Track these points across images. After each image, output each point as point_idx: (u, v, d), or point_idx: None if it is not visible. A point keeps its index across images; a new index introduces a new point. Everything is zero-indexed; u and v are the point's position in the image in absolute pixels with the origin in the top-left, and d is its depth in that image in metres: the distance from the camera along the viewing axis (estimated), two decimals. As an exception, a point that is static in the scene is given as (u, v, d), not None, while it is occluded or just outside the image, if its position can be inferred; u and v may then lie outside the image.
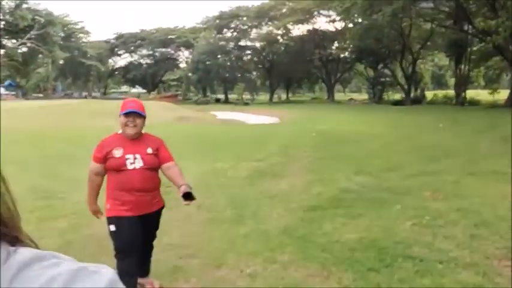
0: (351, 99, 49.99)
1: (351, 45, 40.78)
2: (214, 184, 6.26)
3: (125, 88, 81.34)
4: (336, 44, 46.10)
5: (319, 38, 45.74)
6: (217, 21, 55.66)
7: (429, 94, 39.82)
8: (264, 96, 66.15)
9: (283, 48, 50.22)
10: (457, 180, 6.21)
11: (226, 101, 53.35)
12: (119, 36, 66.69)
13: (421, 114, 20.79)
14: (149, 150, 2.72)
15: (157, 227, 3.01)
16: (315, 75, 55.22)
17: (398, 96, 40.18)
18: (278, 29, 47.48)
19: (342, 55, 45.93)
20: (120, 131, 2.78)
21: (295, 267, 3.44)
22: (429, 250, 3.67)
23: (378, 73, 43.52)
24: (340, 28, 43.15)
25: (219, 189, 5.97)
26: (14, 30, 47.96)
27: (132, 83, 74.57)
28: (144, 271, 3.05)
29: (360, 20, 32.72)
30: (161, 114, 19.46)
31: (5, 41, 50.88)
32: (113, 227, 2.69)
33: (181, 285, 3.20)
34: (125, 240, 2.70)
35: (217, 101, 54.15)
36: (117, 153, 2.66)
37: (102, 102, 28.40)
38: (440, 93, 39.07)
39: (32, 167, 7.64)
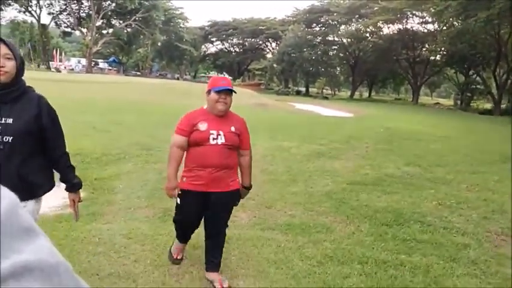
0: (437, 103, 48.01)
1: (442, 48, 39.16)
2: (278, 157, 7.41)
3: (213, 73, 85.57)
4: (426, 46, 44.43)
5: (409, 39, 44.42)
6: (307, 15, 56.34)
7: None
8: (346, 93, 65.74)
9: (370, 45, 49.56)
10: (500, 180, 6.67)
11: (307, 94, 54.06)
12: (213, 24, 70.20)
13: (505, 125, 19.96)
14: (233, 129, 2.74)
15: (228, 210, 2.90)
16: (401, 75, 53.79)
17: (488, 105, 37.92)
18: (367, 26, 46.90)
19: (431, 58, 44.25)
20: (205, 107, 2.82)
21: (326, 215, 4.48)
22: (440, 220, 4.48)
23: (469, 79, 41.31)
24: (432, 30, 41.58)
25: (281, 161, 7.12)
26: (122, 12, 53.05)
27: (220, 69, 78.20)
28: (214, 264, 2.91)
29: (455, 23, 31.52)
30: (243, 100, 21.03)
31: (113, 21, 56.55)
32: (178, 200, 2.80)
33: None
34: (183, 217, 2.89)
35: (298, 93, 55.07)
36: (202, 127, 2.69)
37: (192, 84, 30.93)
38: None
39: (135, 128, 9.40)
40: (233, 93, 2.73)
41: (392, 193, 5.51)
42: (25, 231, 0.35)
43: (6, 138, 1.91)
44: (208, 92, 2.73)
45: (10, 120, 1.92)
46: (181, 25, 65.44)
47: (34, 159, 2.06)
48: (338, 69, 61.07)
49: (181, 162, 2.80)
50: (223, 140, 2.68)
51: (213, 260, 2.88)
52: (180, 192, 2.76)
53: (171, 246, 3.16)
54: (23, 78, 2.02)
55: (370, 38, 50.20)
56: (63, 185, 2.24)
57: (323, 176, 6.29)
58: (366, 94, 62.81)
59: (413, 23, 45.15)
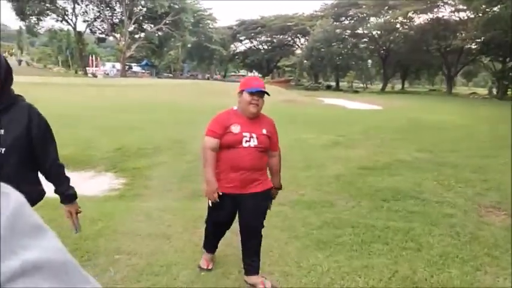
0: (473, 93, 46.87)
1: (474, 37, 38.27)
2: (296, 147, 8.07)
3: (242, 72, 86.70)
4: (458, 35, 43.48)
5: (440, 28, 43.61)
6: (335, 9, 56.24)
7: None
8: (378, 86, 65.09)
9: (401, 37, 49.00)
10: (506, 162, 7.04)
11: (337, 88, 54.00)
12: (241, 23, 71.13)
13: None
14: (264, 131, 2.72)
15: (262, 211, 2.84)
16: (435, 66, 52.83)
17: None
18: (396, 18, 46.37)
19: (466, 46, 43.26)
20: (235, 107, 2.79)
21: (332, 194, 5.12)
22: (435, 196, 5.02)
23: (505, 67, 40.11)
24: (464, 18, 40.68)
25: (298, 150, 7.78)
26: (153, 16, 54.87)
27: (250, 67, 79.12)
28: (254, 267, 2.87)
29: (487, 10, 30.79)
30: (270, 97, 21.70)
31: (145, 26, 58.58)
32: (210, 202, 2.77)
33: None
34: (216, 220, 2.91)
35: (328, 87, 55.10)
36: (235, 129, 2.66)
37: (221, 84, 31.91)
38: None
39: (167, 125, 10.30)
40: (265, 95, 2.70)
41: (397, 175, 6.07)
42: (34, 229, 0.36)
43: None
44: (241, 92, 2.70)
45: (1, 132, 1.88)
46: (210, 26, 66.78)
47: (27, 170, 2.02)
48: (369, 62, 60.66)
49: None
50: (255, 143, 2.67)
51: (252, 263, 2.86)
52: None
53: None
54: (11, 88, 1.98)
55: (400, 29, 49.67)
56: (107, 174, 2.83)
57: (336, 162, 6.91)
58: (399, 86, 61.99)
59: (445, 12, 44.24)
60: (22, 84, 22.28)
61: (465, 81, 78.72)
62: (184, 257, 3.24)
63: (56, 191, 2.18)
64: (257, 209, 2.80)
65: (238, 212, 2.82)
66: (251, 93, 2.64)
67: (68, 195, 2.17)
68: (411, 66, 56.82)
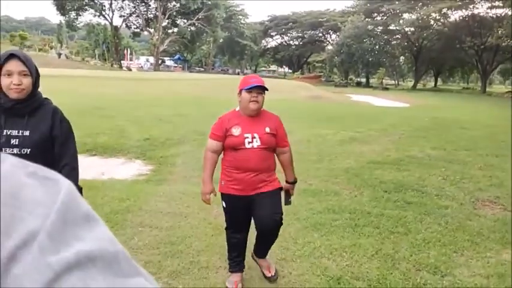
0: (508, 92, 45.41)
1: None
2: (313, 142, 8.49)
3: (273, 67, 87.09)
4: (494, 32, 42.18)
5: (476, 25, 42.47)
6: (368, 5, 55.61)
7: None
8: (410, 83, 64.04)
9: (435, 33, 48.04)
10: (516, 161, 7.22)
11: (367, 85, 53.57)
12: (273, 19, 71.48)
13: None
14: (267, 129, 2.68)
15: (276, 207, 2.76)
16: (469, 64, 51.52)
17: None
18: (430, 14, 45.46)
19: (502, 44, 41.96)
20: (237, 109, 2.78)
21: (338, 185, 5.53)
22: (436, 190, 5.35)
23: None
24: (500, 15, 39.48)
25: (314, 145, 8.19)
26: (186, 12, 56.10)
27: (280, 62, 79.43)
28: (262, 251, 3.02)
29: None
30: (295, 92, 22.17)
31: (178, 21, 59.91)
32: (224, 204, 2.79)
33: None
34: (233, 220, 2.83)
35: (359, 84, 54.77)
36: (236, 131, 2.64)
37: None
38: None
39: (193, 119, 10.92)
40: (265, 91, 2.69)
41: (404, 170, 6.39)
42: (85, 218, 0.35)
43: (24, 151, 1.97)
44: (240, 92, 2.69)
45: (27, 133, 1.97)
46: (242, 21, 67.49)
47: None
48: (401, 59, 59.76)
49: (216, 165, 2.82)
50: (259, 143, 2.64)
51: (263, 249, 3.00)
52: (223, 194, 2.78)
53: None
54: (39, 90, 2.08)
55: (434, 25, 48.71)
56: (137, 161, 3.24)
57: (348, 156, 7.29)
58: (431, 84, 60.83)
59: (481, 9, 43.05)
60: (62, 76, 23.62)
61: (502, 80, 76.12)
62: (198, 232, 3.77)
63: None
64: (269, 208, 2.72)
65: (252, 214, 2.77)
66: (249, 91, 2.64)
67: None
68: (445, 64, 55.63)
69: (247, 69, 76.48)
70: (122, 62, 56.00)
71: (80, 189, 2.02)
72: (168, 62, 65.26)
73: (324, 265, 3.17)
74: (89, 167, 5.83)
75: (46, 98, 2.13)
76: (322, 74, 64.08)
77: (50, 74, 25.12)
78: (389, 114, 15.70)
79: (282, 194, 2.88)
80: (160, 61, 58.35)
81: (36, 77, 2.01)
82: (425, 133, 10.45)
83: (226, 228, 2.93)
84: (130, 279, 0.33)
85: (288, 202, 2.95)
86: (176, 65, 63.89)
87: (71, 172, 2.10)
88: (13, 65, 1.92)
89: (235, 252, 2.91)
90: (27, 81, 1.95)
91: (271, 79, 40.48)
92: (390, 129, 10.83)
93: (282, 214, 2.80)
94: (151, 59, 59.18)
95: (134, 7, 58.99)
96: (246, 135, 2.64)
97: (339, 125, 10.96)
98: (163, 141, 7.95)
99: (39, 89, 2.09)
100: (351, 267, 3.14)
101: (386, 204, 4.68)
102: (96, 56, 61.59)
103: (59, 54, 53.92)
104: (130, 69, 48.21)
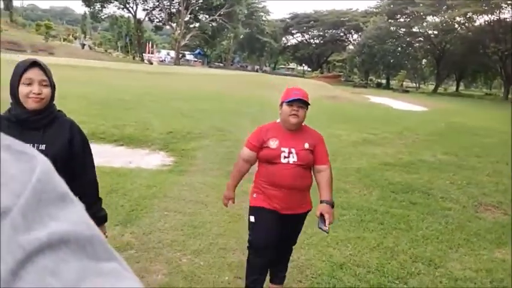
0: (531, 99, 44.69)
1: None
2: (327, 141, 8.66)
3: (292, 65, 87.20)
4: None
5: (501, 31, 41.85)
6: (391, 6, 55.25)
7: None
8: (431, 86, 63.43)
9: (458, 37, 47.51)
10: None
11: (387, 87, 53.32)
12: (294, 16, 71.50)
13: None
14: (306, 145, 2.56)
15: (298, 231, 2.79)
16: (493, 69, 50.79)
17: None
18: (453, 18, 44.97)
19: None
20: (278, 120, 2.67)
21: (349, 184, 5.86)
22: (442, 193, 5.63)
23: None
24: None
25: (328, 145, 8.41)
26: (208, 8, 56.71)
27: (300, 61, 79.45)
28: (279, 278, 2.89)
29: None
30: (312, 92, 22.25)
31: (200, 16, 60.57)
32: (252, 218, 2.64)
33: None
34: (261, 235, 2.62)
35: (378, 85, 54.59)
36: (273, 144, 2.54)
37: (268, 76, 32.82)
38: None
39: (212, 114, 11.34)
40: (307, 106, 2.56)
41: (414, 173, 6.68)
42: (61, 198, 0.33)
43: None
44: (281, 105, 2.59)
45: (43, 147, 1.86)
46: (263, 18, 67.70)
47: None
48: (424, 61, 59.24)
49: (245, 175, 2.75)
50: (295, 159, 2.51)
51: (279, 273, 2.88)
52: (253, 207, 2.65)
53: None
54: (54, 103, 1.98)
55: (458, 29, 48.18)
56: (160, 152, 3.57)
57: (361, 157, 7.60)
58: (453, 88, 60.18)
59: (506, 14, 42.38)
60: (86, 67, 24.39)
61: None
62: (216, 219, 4.17)
63: (86, 211, 2.47)
64: (293, 231, 2.72)
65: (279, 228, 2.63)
66: (290, 104, 2.52)
67: (98, 217, 2.04)
68: (467, 69, 54.99)
69: (266, 66, 76.78)
70: (144, 54, 56.95)
71: (100, 200, 2.13)
72: (188, 56, 66.02)
73: (330, 253, 3.53)
74: (117, 156, 6.31)
75: (59, 111, 2.03)
76: (341, 73, 63.96)
77: (74, 64, 25.95)
78: (406, 118, 15.87)
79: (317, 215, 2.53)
80: (180, 55, 59.10)
81: (53, 88, 1.92)
82: (439, 138, 10.65)
83: (248, 248, 2.73)
84: (104, 262, 0.31)
85: (323, 228, 2.50)
86: (196, 59, 64.63)
87: (94, 188, 2.09)
88: (34, 73, 1.83)
89: (255, 276, 2.68)
90: (47, 91, 1.86)
91: (289, 77, 40.77)
92: (405, 133, 11.06)
93: (295, 243, 2.81)
94: (172, 53, 60.01)
95: (158, 1, 59.82)
96: (283, 149, 2.52)
97: (355, 126, 11.24)
98: (184, 134, 8.38)
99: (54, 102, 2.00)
100: (353, 256, 3.50)
101: (393, 204, 5.00)
102: (119, 48, 62.76)
103: (83, 45, 55.14)
104: (151, 63, 49.04)
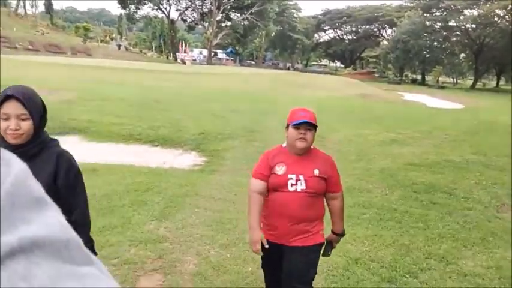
0: None
1: None
2: (354, 141, 8.99)
3: (324, 62, 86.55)
4: None
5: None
6: (426, 0, 53.85)
7: None
8: (469, 82, 61.45)
9: (498, 31, 45.79)
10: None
11: (423, 83, 52.14)
12: (326, 12, 70.98)
13: None
14: (316, 172, 2.36)
15: (309, 267, 2.42)
16: (536, 63, 48.67)
17: None
18: (493, 11, 43.38)
19: None
20: (284, 144, 2.48)
21: (372, 183, 6.06)
22: (465, 193, 5.72)
23: None
24: None
25: (355, 145, 8.70)
26: (240, 6, 57.30)
27: (332, 57, 78.83)
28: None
29: None
30: (343, 90, 22.42)
31: (232, 15, 61.28)
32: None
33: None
34: (268, 267, 2.60)
35: (414, 81, 53.48)
36: (279, 170, 2.37)
37: (299, 75, 32.94)
38: None
39: (243, 114, 11.72)
40: (316, 128, 2.37)
41: (439, 173, 6.78)
42: (36, 202, 0.33)
43: None
44: (287, 127, 2.41)
45: None
46: (295, 15, 67.60)
47: None
48: (461, 56, 57.45)
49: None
50: (303, 186, 2.32)
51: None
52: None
53: None
54: (45, 130, 1.83)
55: (499, 22, 46.43)
56: (192, 152, 3.91)
57: (386, 157, 7.75)
58: (493, 83, 58.04)
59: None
60: (123, 69, 25.39)
61: None
62: (243, 216, 4.49)
63: None
64: (302, 265, 2.39)
65: (282, 265, 2.45)
66: (297, 126, 2.33)
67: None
68: (508, 64, 52.79)
69: (298, 63, 76.64)
70: (177, 54, 58.26)
71: (92, 244, 1.93)
72: (220, 54, 66.95)
73: (346, 249, 3.79)
74: (152, 156, 6.78)
75: (53, 139, 1.87)
76: (375, 70, 63.00)
77: (111, 66, 27.05)
78: (439, 116, 15.70)
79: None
80: (213, 54, 60.04)
81: (40, 116, 1.76)
82: (469, 137, 10.57)
83: (262, 266, 2.69)
84: (80, 267, 0.31)
85: (327, 254, 2.57)
86: (228, 57, 65.44)
87: (81, 229, 1.77)
88: (10, 108, 1.67)
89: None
90: (26, 125, 1.69)
91: (320, 75, 40.64)
92: (435, 132, 11.03)
93: (313, 280, 2.44)
94: (205, 52, 61.07)
95: (190, 1, 61.00)
96: (290, 175, 2.33)
97: (383, 126, 11.31)
98: (215, 135, 8.80)
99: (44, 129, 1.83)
100: (369, 252, 3.75)
101: (413, 203, 5.18)
102: (153, 47, 64.40)
103: (119, 46, 57.05)
104: (184, 62, 50.12)
